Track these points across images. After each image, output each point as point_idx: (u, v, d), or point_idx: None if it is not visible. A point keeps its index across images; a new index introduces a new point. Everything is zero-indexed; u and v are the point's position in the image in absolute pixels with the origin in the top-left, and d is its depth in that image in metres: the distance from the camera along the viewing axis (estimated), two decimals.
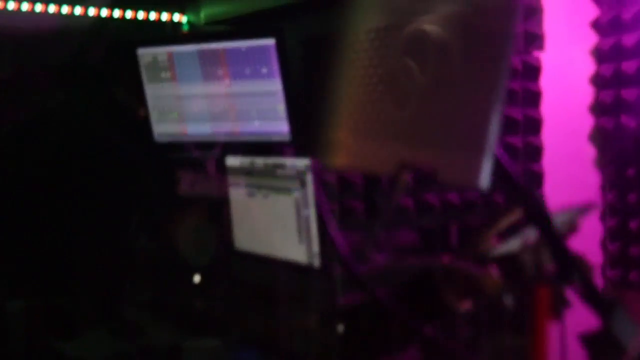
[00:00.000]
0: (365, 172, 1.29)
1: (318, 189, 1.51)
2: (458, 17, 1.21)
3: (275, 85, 2.49)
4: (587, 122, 2.94)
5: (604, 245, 3.17)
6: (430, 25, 1.75)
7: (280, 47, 2.46)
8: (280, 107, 2.47)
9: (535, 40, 4.00)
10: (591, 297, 1.09)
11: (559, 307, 1.06)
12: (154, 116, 2.65)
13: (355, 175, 1.86)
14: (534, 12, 3.80)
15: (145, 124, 2.57)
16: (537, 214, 1.08)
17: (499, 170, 1.06)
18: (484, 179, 1.00)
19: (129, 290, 2.40)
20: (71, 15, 2.82)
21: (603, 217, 3.29)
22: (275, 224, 2.14)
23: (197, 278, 2.34)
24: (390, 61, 2.00)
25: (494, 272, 1.15)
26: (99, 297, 2.41)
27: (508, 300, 1.15)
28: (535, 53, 2.97)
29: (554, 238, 1.07)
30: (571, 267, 1.05)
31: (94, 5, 2.86)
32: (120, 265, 2.45)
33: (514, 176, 1.10)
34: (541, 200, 1.09)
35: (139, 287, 2.40)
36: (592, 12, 3.39)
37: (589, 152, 2.94)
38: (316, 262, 2.01)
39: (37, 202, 2.37)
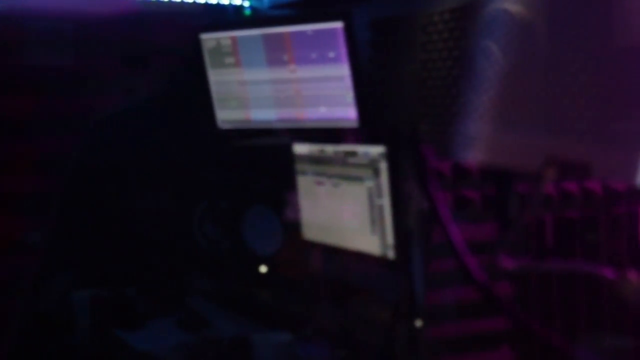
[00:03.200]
0: (505, 167, 1.20)
1: (434, 186, 1.43)
2: None
3: (343, 70, 2.41)
4: None
5: None
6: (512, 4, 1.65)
7: (348, 31, 2.37)
8: (348, 93, 2.38)
9: None
10: None
11: None
12: (217, 102, 2.59)
13: (470, 164, 1.70)
14: None
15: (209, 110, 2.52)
16: None
17: None
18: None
19: (194, 280, 2.36)
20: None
21: None
22: (347, 214, 2.07)
23: (263, 268, 2.29)
24: (468, 43, 1.90)
25: None
26: (164, 287, 2.37)
27: None
28: None
29: None
30: None
31: None
32: (185, 256, 2.41)
33: None
34: None
35: (204, 277, 2.36)
36: None
37: None
38: (390, 254, 1.94)
39: (104, 193, 2.34)
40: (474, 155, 1.15)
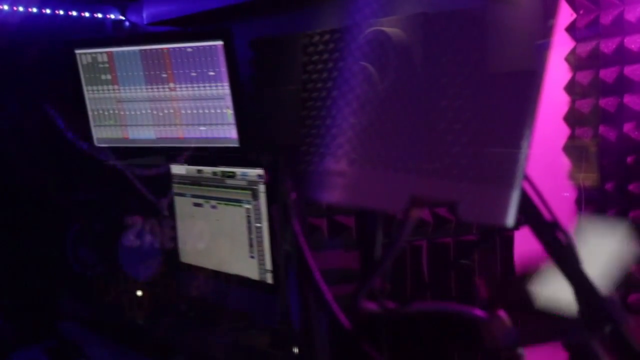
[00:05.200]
0: (367, 208, 1.14)
1: (297, 222, 1.40)
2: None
3: (223, 89, 2.37)
4: (562, 132, 2.86)
5: None
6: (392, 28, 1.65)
7: (228, 49, 2.34)
8: (229, 112, 2.35)
9: None
10: (623, 347, 0.97)
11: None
12: (93, 120, 2.50)
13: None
14: None
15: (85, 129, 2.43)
16: (565, 254, 0.97)
17: (525, 205, 0.95)
18: (511, 215, 0.89)
19: (67, 305, 2.26)
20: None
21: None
22: (225, 237, 2.03)
23: (139, 293, 2.21)
24: (348, 65, 1.88)
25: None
26: (34, 312, 2.26)
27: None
28: None
29: (583, 284, 0.96)
30: (602, 314, 0.94)
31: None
32: (58, 280, 2.31)
33: (543, 213, 1.00)
34: (571, 240, 0.98)
35: (78, 302, 2.26)
36: (567, 15, 3.28)
37: (565, 164, 2.87)
38: (269, 279, 1.90)
39: None
40: (333, 195, 1.09)
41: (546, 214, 1.02)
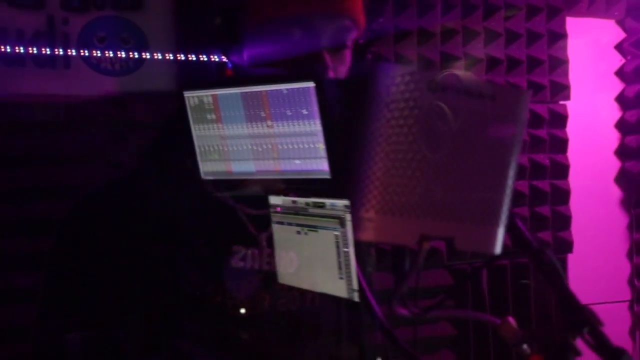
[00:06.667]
0: (390, 244, 1.47)
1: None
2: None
3: (316, 126, 2.61)
4: (614, 165, 3.01)
5: (630, 282, 3.27)
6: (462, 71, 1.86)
7: (320, 90, 2.57)
8: (321, 146, 2.58)
9: (561, 90, 4.04)
10: (600, 347, 1.19)
11: (571, 357, 1.17)
12: (200, 156, 2.78)
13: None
14: (560, 63, 3.87)
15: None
16: (551, 272, 1.20)
17: (515, 235, 1.19)
18: (499, 246, 1.14)
19: (180, 323, 2.53)
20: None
21: (630, 256, 3.37)
22: (317, 261, 2.26)
23: (242, 310, 2.46)
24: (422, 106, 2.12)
25: None
26: (151, 328, 2.54)
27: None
28: (562, 102, 3.04)
29: (566, 295, 1.18)
30: (582, 320, 1.17)
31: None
32: (170, 298, 2.58)
33: (529, 241, 1.23)
34: (554, 261, 1.21)
35: (188, 319, 2.53)
36: (617, 61, 3.45)
37: (616, 194, 3.01)
38: (356, 297, 2.12)
39: (93, 238, 2.53)
40: (362, 235, 1.39)
41: (534, 243, 1.27)
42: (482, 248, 1.19)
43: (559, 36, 4.61)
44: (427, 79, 1.42)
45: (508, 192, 1.19)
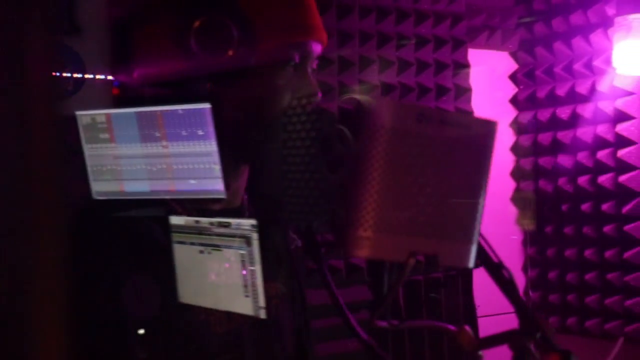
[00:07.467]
0: (381, 260, 1.61)
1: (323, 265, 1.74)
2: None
3: (211, 146, 2.67)
4: (509, 186, 3.33)
5: (526, 293, 3.70)
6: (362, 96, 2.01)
7: (216, 111, 2.64)
8: (216, 167, 2.65)
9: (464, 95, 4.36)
10: (550, 349, 1.39)
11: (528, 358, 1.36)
12: (92, 175, 2.77)
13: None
14: (464, 91, 4.18)
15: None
16: (508, 285, 1.38)
17: (480, 252, 1.38)
18: (472, 260, 1.32)
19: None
20: None
21: (525, 269, 3.79)
22: (221, 280, 2.32)
23: (141, 331, 2.47)
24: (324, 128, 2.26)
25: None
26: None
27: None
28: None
29: (521, 305, 1.36)
30: (534, 325, 1.35)
31: None
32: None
33: (489, 257, 1.41)
34: (511, 275, 1.41)
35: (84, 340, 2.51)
36: (511, 89, 3.79)
37: (512, 212, 3.34)
38: (262, 315, 2.20)
39: None
40: (356, 252, 1.51)
41: (493, 257, 1.47)
42: (460, 263, 1.39)
43: (463, 66, 4.94)
44: (416, 111, 1.55)
45: (480, 211, 1.40)
